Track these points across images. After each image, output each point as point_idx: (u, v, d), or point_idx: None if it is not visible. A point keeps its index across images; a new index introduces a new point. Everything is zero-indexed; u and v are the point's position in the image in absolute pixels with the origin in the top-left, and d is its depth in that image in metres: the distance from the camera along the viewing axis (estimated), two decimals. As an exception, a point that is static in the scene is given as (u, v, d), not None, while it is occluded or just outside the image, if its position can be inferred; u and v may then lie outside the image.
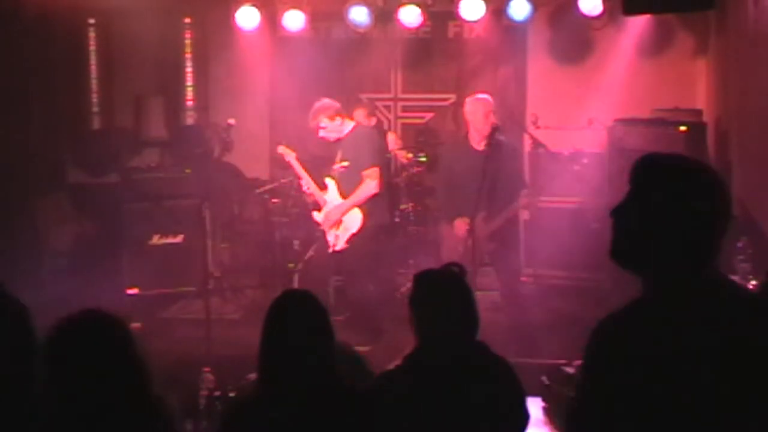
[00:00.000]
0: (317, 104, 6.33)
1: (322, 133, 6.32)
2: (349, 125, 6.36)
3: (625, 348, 1.92)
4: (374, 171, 6.23)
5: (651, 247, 2.00)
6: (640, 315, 1.98)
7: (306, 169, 6.62)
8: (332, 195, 6.40)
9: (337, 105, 6.34)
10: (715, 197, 2.00)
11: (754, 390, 1.89)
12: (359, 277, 6.43)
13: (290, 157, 6.68)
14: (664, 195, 2.00)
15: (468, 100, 6.35)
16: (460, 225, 6.03)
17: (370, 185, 6.23)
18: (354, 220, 6.26)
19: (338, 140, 6.35)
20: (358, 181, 6.24)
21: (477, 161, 5.97)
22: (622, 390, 1.91)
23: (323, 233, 6.41)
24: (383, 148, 6.82)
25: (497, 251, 6.22)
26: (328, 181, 6.43)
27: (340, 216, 6.28)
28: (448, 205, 6.27)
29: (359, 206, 6.24)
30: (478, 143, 6.11)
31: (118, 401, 2.32)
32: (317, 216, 6.48)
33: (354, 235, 6.22)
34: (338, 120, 6.29)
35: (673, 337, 1.91)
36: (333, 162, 6.41)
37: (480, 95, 6.35)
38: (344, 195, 6.32)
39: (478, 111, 6.14)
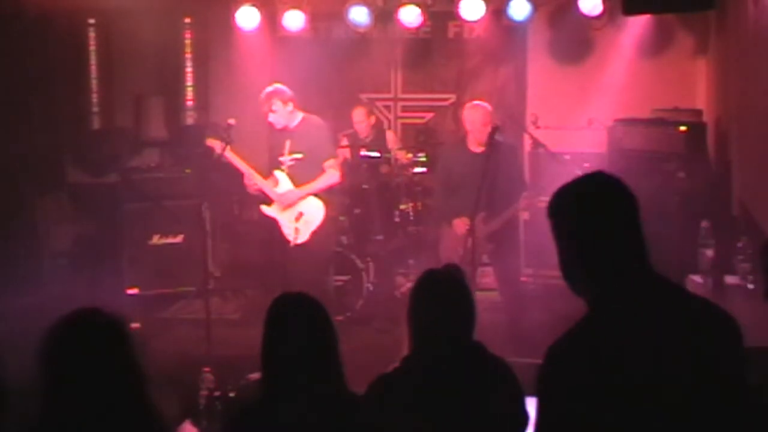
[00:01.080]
0: (269, 88, 6.18)
1: (271, 118, 6.12)
2: (299, 116, 6.20)
3: (575, 369, 1.95)
4: (335, 161, 6.22)
5: (568, 271, 2.10)
6: (583, 334, 2.01)
7: (248, 162, 6.22)
8: (285, 188, 6.19)
9: (291, 92, 6.17)
10: (596, 207, 2.05)
11: (703, 396, 1.92)
12: (324, 271, 6.32)
13: (223, 150, 6.13)
14: (553, 218, 2.11)
15: (467, 106, 6.35)
16: (460, 225, 6.04)
17: (334, 175, 6.18)
18: (316, 212, 6.14)
19: (284, 129, 6.17)
20: (315, 173, 6.13)
21: (475, 163, 5.99)
22: (580, 415, 1.92)
23: (279, 229, 6.18)
24: (335, 140, 6.71)
25: (496, 252, 6.23)
26: (279, 174, 6.22)
27: (297, 200, 6.11)
28: (446, 206, 6.28)
29: (320, 197, 6.14)
30: (476, 146, 6.14)
31: (112, 403, 2.30)
32: (268, 210, 6.24)
33: (320, 227, 6.12)
34: (290, 106, 6.14)
35: (612, 354, 1.94)
36: (280, 154, 6.19)
37: (478, 102, 6.35)
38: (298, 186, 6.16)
39: (476, 118, 6.15)
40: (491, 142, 5.95)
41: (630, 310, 1.98)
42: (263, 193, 6.23)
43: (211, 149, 6.22)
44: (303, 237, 6.08)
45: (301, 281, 5.64)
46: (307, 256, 6.08)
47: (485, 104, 6.30)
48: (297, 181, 6.16)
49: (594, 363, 1.93)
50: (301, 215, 6.11)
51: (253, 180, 6.18)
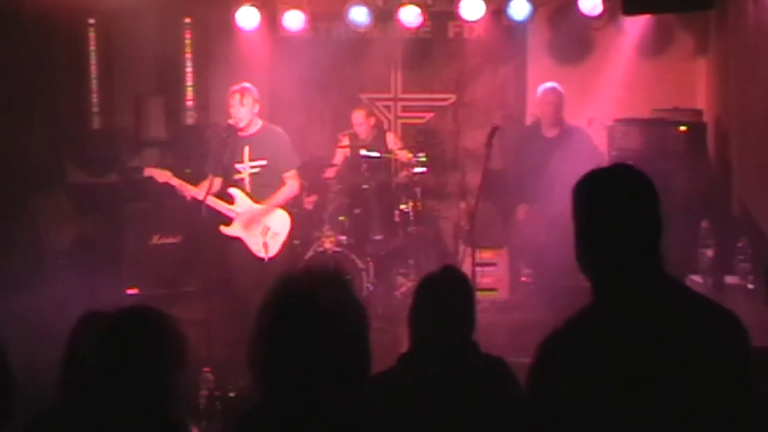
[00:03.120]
0: (244, 84, 6.02)
1: (241, 112, 5.89)
2: (259, 122, 6.08)
3: (568, 360, 1.94)
4: (295, 172, 6.15)
5: (583, 254, 2.08)
6: (582, 325, 2.01)
7: (193, 184, 5.95)
8: (242, 204, 6.03)
9: (258, 95, 6.03)
10: (625, 200, 2.04)
11: (703, 394, 1.91)
12: None
13: (165, 177, 5.97)
14: (581, 204, 2.08)
15: (539, 89, 6.45)
16: (521, 211, 6.07)
17: (294, 186, 6.14)
18: (283, 223, 6.09)
19: (242, 134, 5.99)
20: (275, 184, 6.05)
21: (549, 148, 6.00)
22: (569, 406, 1.92)
23: (241, 243, 6.03)
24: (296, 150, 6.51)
25: (549, 243, 6.15)
26: (234, 192, 6.03)
27: (261, 216, 6.01)
28: (518, 189, 6.28)
29: (284, 208, 6.10)
30: (549, 130, 6.17)
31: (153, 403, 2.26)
32: (229, 230, 6.02)
33: (288, 238, 6.09)
34: (257, 108, 6.00)
35: (606, 347, 1.93)
36: (238, 161, 6.01)
37: (551, 85, 6.40)
38: (257, 201, 6.03)
39: (547, 101, 6.19)
40: (490, 143, 5.95)
41: (630, 306, 1.98)
42: (213, 208, 5.94)
43: (152, 179, 6.01)
44: (273, 251, 6.00)
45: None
46: (276, 269, 5.95)
47: (557, 86, 6.33)
48: (255, 193, 6.03)
49: (586, 355, 1.92)
50: (267, 229, 6.05)
51: (207, 199, 5.81)
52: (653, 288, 2.01)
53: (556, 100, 6.34)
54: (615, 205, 2.04)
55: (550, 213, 6.02)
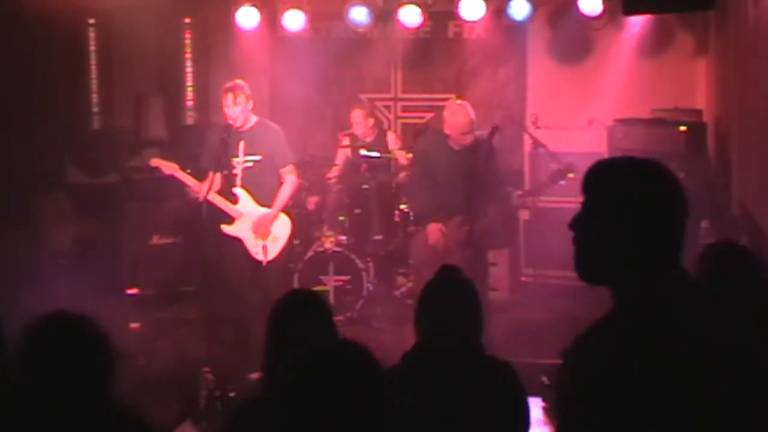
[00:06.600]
0: (238, 81, 5.98)
1: (234, 111, 5.85)
2: (254, 118, 6.05)
3: (599, 366, 1.89)
4: (292, 167, 6.13)
5: (610, 254, 1.97)
6: (611, 331, 1.94)
7: (198, 179, 5.93)
8: (246, 205, 6.02)
9: (250, 91, 5.98)
10: (663, 195, 1.96)
11: (733, 400, 1.86)
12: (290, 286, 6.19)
13: (171, 170, 5.97)
14: (613, 199, 1.97)
15: (447, 105, 6.34)
16: (434, 231, 6.03)
17: (293, 182, 6.14)
18: (284, 227, 6.09)
19: (237, 129, 5.94)
20: (272, 180, 6.04)
21: (456, 161, 5.98)
22: (601, 410, 1.88)
23: (240, 244, 6.01)
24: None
25: (469, 259, 6.01)
26: (238, 191, 6.01)
27: (271, 224, 6.01)
28: (423, 205, 6.25)
29: (285, 211, 6.09)
30: (456, 144, 6.14)
31: (80, 404, 2.34)
32: (230, 229, 6.00)
33: (287, 243, 6.10)
34: (250, 104, 5.96)
35: (643, 352, 1.87)
36: (233, 155, 5.95)
37: (459, 102, 6.34)
38: (256, 199, 6.02)
39: (456, 123, 6.13)
40: (490, 143, 5.95)
41: (662, 307, 1.92)
42: (213, 204, 5.90)
43: (158, 169, 6.02)
44: (272, 255, 6.01)
45: (271, 296, 5.72)
46: (272, 272, 6.03)
47: (467, 106, 6.24)
48: (254, 190, 6.01)
49: (622, 358, 1.87)
50: (269, 233, 6.05)
51: (211, 198, 5.83)
52: (683, 289, 1.96)
53: (461, 127, 6.06)
54: (654, 200, 1.95)
55: (472, 230, 5.96)
